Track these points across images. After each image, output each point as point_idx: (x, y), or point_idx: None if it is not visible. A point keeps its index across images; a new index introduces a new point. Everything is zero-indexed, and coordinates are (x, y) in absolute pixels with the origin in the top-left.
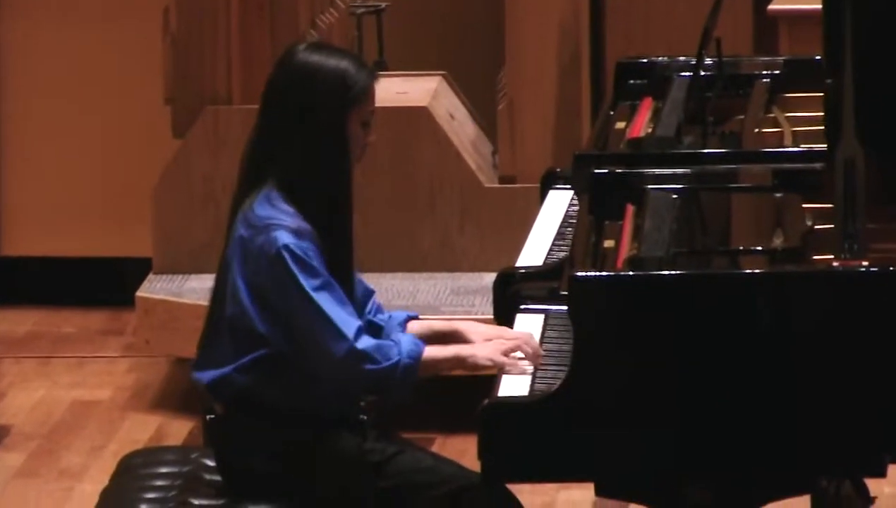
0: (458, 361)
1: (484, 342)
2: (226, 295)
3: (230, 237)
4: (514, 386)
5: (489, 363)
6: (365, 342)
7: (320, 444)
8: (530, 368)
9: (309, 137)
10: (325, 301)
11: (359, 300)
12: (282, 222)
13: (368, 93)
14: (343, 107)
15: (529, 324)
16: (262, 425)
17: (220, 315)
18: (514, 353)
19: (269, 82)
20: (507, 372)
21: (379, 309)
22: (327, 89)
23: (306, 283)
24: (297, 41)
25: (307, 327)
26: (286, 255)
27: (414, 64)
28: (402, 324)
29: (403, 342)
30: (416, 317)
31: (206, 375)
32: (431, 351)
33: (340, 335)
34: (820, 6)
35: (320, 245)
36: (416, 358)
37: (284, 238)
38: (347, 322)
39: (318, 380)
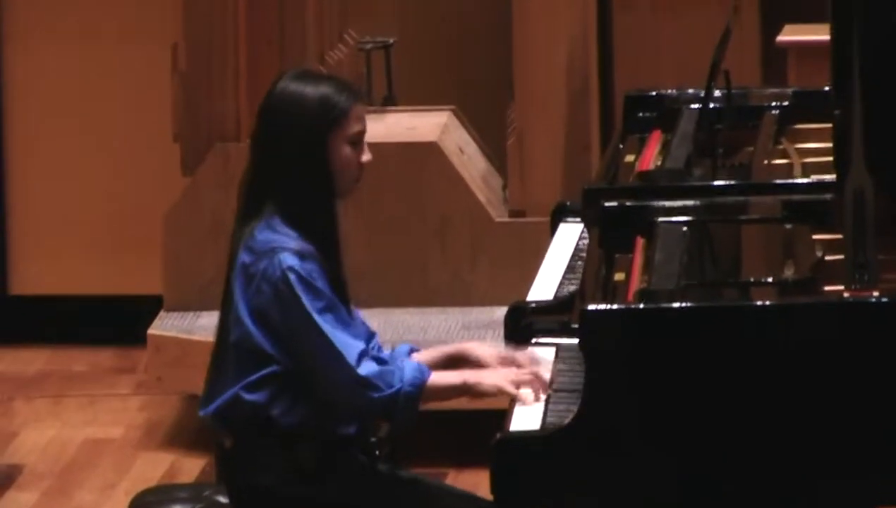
0: (465, 388)
1: (496, 366)
2: (230, 324)
3: (232, 268)
4: (526, 419)
5: (495, 391)
6: (367, 368)
7: (332, 460)
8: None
9: (295, 162)
10: (328, 324)
11: (359, 324)
12: (284, 245)
13: (350, 114)
14: (323, 129)
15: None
16: (271, 443)
17: (225, 345)
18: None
19: (258, 112)
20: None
21: (380, 350)
22: (308, 113)
23: (311, 306)
24: (285, 71)
25: (311, 351)
26: (292, 277)
27: (423, 99)
28: (407, 357)
29: (407, 369)
30: (416, 350)
31: (213, 406)
32: (437, 378)
33: (343, 360)
34: (828, 37)
35: (323, 264)
36: (418, 385)
37: (289, 260)
38: (350, 346)
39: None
